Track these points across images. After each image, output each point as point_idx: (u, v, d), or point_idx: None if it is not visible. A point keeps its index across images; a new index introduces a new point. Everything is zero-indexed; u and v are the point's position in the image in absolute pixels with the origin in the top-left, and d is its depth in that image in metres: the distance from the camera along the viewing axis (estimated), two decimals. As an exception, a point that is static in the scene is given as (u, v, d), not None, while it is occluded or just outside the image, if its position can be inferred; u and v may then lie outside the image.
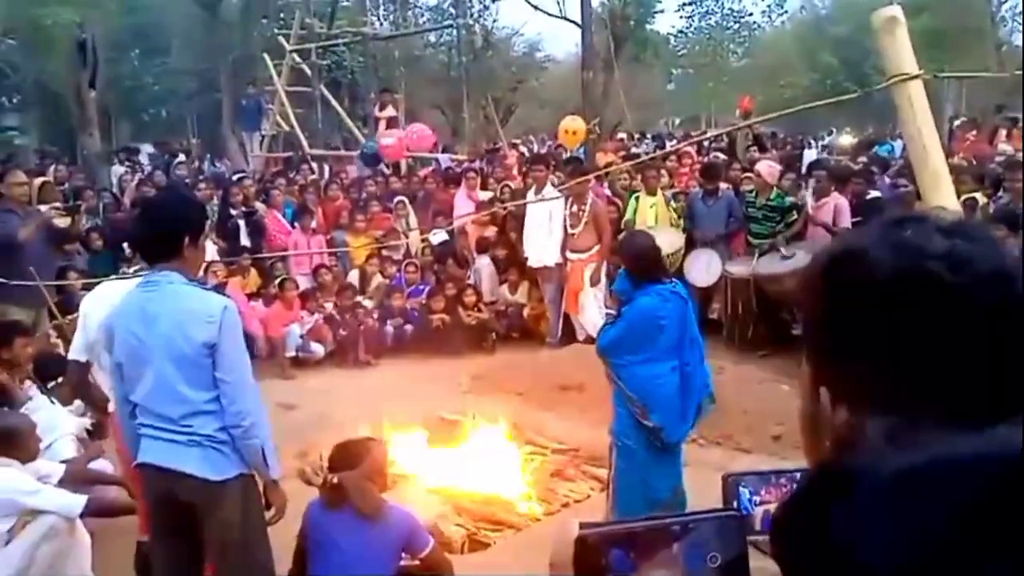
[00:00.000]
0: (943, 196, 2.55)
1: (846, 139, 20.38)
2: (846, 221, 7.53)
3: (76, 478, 4.24)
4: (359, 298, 8.81)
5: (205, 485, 3.00)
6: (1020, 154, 9.99)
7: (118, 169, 14.32)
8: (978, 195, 7.56)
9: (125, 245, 7.38)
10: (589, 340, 8.13)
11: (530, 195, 8.80)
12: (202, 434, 2.99)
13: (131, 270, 4.66)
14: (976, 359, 0.74)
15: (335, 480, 3.28)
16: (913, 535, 0.52)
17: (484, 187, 10.31)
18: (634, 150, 13.83)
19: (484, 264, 9.20)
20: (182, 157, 15.92)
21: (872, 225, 0.84)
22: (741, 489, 1.29)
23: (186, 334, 2.95)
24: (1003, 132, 12.94)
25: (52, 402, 5.00)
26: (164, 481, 3.06)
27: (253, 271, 8.93)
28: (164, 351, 2.97)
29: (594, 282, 8.37)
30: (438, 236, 9.50)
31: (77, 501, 3.76)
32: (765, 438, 5.89)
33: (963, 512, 0.52)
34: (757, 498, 1.29)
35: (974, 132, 13.45)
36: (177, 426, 2.99)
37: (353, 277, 9.25)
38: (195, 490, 3.02)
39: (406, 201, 9.96)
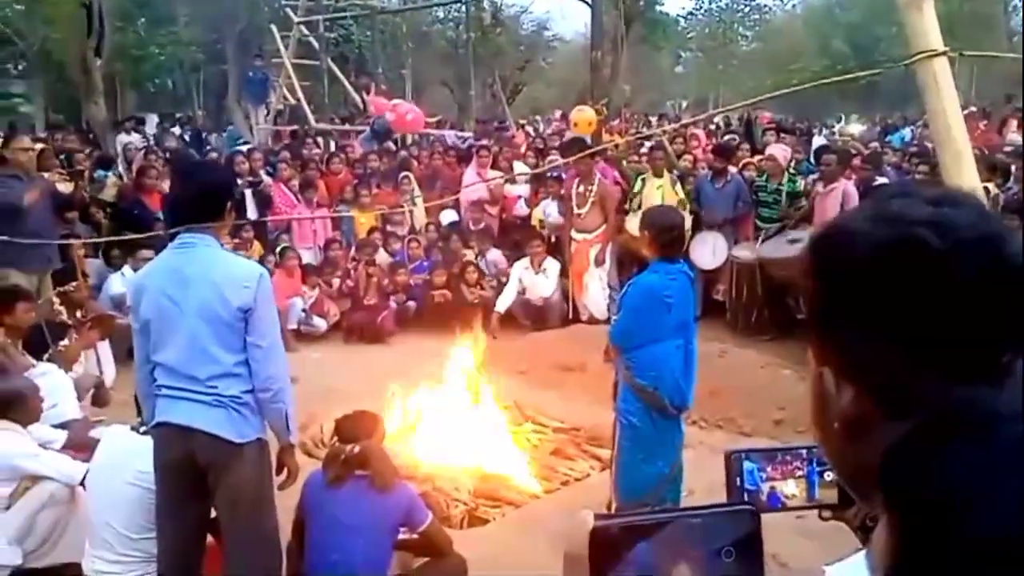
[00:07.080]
0: (965, 176, 2.49)
1: (855, 127, 20.22)
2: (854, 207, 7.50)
3: (78, 444, 4.23)
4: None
5: (227, 446, 3.02)
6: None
7: (124, 138, 14.24)
8: (989, 185, 7.49)
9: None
10: (592, 320, 8.13)
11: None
12: (226, 395, 3.02)
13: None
14: (968, 324, 0.73)
15: (356, 450, 3.26)
16: None
17: (494, 166, 10.25)
18: (644, 131, 13.77)
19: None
20: (178, 130, 15.75)
21: (863, 204, 0.83)
22: (747, 464, 1.25)
23: (223, 297, 2.99)
24: (1013, 122, 12.82)
25: (56, 367, 5.00)
26: (183, 441, 3.05)
27: (256, 243, 8.90)
28: (199, 312, 3.00)
29: (599, 262, 8.33)
30: (447, 216, 9.49)
31: (78, 468, 3.73)
32: (766, 422, 5.89)
33: None
34: (763, 474, 1.25)
35: (985, 122, 13.34)
36: (203, 387, 3.01)
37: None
38: (216, 451, 3.03)
39: (411, 177, 9.92)
